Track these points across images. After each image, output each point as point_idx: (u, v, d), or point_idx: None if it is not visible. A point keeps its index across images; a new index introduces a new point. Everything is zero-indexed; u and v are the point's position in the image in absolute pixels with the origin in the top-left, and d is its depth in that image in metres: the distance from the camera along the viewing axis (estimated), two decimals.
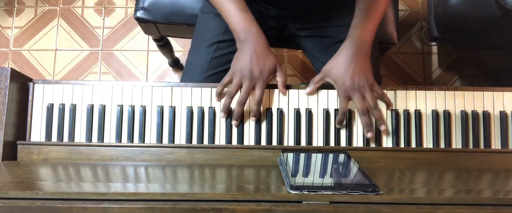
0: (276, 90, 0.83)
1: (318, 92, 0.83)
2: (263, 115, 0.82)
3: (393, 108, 0.83)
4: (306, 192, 0.54)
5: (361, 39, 0.82)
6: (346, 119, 0.82)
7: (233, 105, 0.82)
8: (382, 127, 0.81)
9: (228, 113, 0.82)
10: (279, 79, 0.83)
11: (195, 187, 0.64)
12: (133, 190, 0.59)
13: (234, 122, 0.81)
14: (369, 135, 0.80)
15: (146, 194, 0.55)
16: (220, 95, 0.82)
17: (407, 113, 0.82)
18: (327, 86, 0.84)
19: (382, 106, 0.83)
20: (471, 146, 0.81)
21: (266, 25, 0.98)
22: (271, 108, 0.83)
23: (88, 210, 0.53)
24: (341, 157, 0.73)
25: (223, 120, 0.82)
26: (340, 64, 0.82)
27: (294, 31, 1.01)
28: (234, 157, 0.79)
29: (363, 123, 0.80)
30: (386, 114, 0.83)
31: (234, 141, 0.82)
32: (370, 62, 0.84)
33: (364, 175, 0.61)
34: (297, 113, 0.82)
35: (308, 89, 0.83)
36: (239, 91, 0.81)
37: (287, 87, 0.84)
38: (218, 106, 0.83)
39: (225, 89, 0.82)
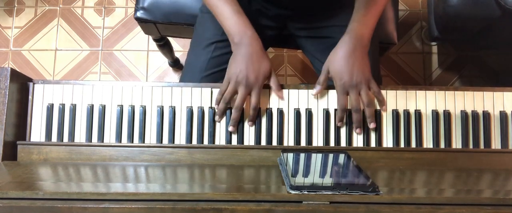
0: None
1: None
2: (263, 115, 0.82)
3: (394, 108, 0.83)
4: (306, 192, 0.54)
5: (359, 34, 0.83)
6: (346, 118, 0.82)
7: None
8: (372, 125, 0.81)
9: (224, 117, 0.82)
10: (272, 85, 0.83)
11: (195, 187, 0.64)
12: (133, 190, 0.59)
13: (230, 128, 0.81)
14: (357, 131, 0.81)
15: (146, 194, 0.55)
16: (218, 103, 0.82)
17: (407, 113, 0.82)
18: (327, 86, 0.85)
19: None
20: (471, 146, 0.81)
21: (266, 25, 0.98)
22: (271, 108, 0.83)
23: (88, 210, 0.53)
24: (341, 157, 0.73)
25: (223, 120, 0.82)
26: (338, 59, 0.82)
27: (294, 31, 1.01)
28: (234, 157, 0.79)
29: (354, 119, 0.81)
30: (387, 114, 0.83)
31: (234, 141, 0.82)
32: (368, 58, 0.84)
33: (364, 175, 0.61)
34: (297, 113, 0.82)
35: (315, 90, 0.83)
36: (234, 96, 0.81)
37: (287, 87, 0.84)
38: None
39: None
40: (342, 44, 0.83)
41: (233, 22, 0.83)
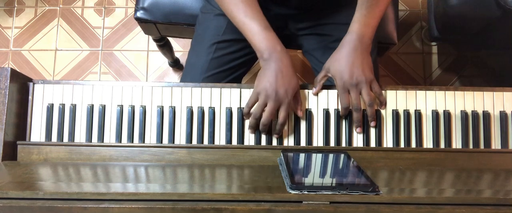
0: None
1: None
2: None
3: (394, 108, 0.83)
4: (306, 192, 0.54)
5: (361, 34, 0.83)
6: (346, 121, 0.82)
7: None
8: (372, 124, 0.81)
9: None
10: (296, 102, 0.82)
11: (195, 187, 0.64)
12: (133, 190, 0.59)
13: (250, 130, 0.81)
14: (358, 130, 0.81)
15: (146, 194, 0.55)
16: (247, 115, 0.81)
17: (407, 113, 0.82)
18: (327, 86, 0.85)
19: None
20: (471, 146, 0.81)
21: None
22: None
23: (88, 210, 0.53)
24: (341, 157, 0.73)
25: (223, 120, 0.82)
26: (340, 59, 0.82)
27: (295, 30, 1.01)
28: (234, 157, 0.79)
29: (354, 118, 0.81)
30: (386, 114, 0.83)
31: (234, 141, 0.82)
32: (370, 58, 0.84)
33: (364, 175, 0.61)
34: None
35: (314, 90, 0.83)
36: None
37: None
38: (218, 106, 0.83)
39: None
40: (343, 44, 0.83)
41: (262, 38, 0.81)
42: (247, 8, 0.82)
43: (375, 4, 0.83)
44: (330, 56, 0.85)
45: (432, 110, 0.83)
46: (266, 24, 0.83)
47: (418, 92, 0.83)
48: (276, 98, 0.79)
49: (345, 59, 0.81)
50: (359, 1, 0.85)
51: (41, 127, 0.82)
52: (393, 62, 1.71)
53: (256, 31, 0.82)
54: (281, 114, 0.80)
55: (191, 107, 0.83)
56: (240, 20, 0.83)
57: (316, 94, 0.83)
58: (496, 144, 0.82)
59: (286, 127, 0.82)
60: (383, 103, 0.83)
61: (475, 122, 0.82)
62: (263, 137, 0.82)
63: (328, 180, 0.63)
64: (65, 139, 0.82)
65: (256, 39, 0.82)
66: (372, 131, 0.82)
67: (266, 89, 0.79)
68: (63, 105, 0.83)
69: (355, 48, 0.82)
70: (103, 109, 0.82)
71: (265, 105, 0.80)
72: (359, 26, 0.83)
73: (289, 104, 0.80)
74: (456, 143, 0.82)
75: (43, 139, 0.82)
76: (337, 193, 0.54)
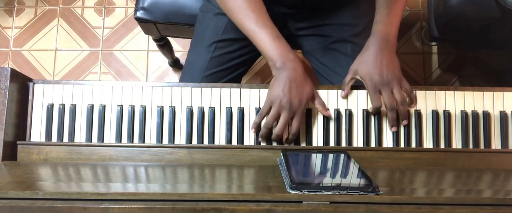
0: None
1: (318, 92, 0.83)
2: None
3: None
4: (306, 192, 0.54)
5: (385, 33, 0.83)
6: (346, 118, 0.82)
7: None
8: (404, 122, 0.81)
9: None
10: (318, 106, 0.82)
11: (195, 187, 0.64)
12: (133, 190, 0.59)
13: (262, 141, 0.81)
14: (393, 129, 0.81)
15: (146, 194, 0.55)
16: (258, 126, 0.81)
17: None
18: (326, 86, 0.85)
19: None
20: (471, 146, 0.81)
21: None
22: None
23: (88, 210, 0.53)
24: (341, 157, 0.73)
25: (223, 120, 0.82)
26: (368, 60, 0.82)
27: (294, 30, 1.01)
28: (234, 157, 0.79)
29: (389, 118, 0.81)
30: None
31: (234, 141, 0.82)
32: (396, 57, 0.84)
33: (364, 175, 0.61)
34: None
35: (343, 92, 0.83)
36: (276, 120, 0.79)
37: None
38: (218, 106, 0.83)
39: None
40: (369, 45, 0.83)
41: (274, 46, 0.80)
42: (257, 17, 0.81)
43: (395, 2, 0.83)
44: (356, 58, 0.85)
45: (432, 110, 0.83)
46: (277, 33, 0.82)
47: (418, 92, 0.83)
48: (290, 108, 0.78)
49: (373, 60, 0.81)
50: (378, 0, 0.85)
51: (41, 127, 0.82)
52: None
53: (268, 40, 0.81)
54: (295, 124, 0.79)
55: (191, 107, 0.83)
56: (250, 29, 0.82)
57: (345, 96, 0.83)
58: (496, 144, 0.82)
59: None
60: (414, 101, 0.83)
61: (475, 122, 0.82)
62: None
63: (328, 180, 0.63)
64: (65, 139, 0.82)
65: (268, 48, 0.81)
66: (372, 131, 0.82)
67: (280, 98, 0.78)
68: (63, 105, 0.83)
69: (382, 48, 0.82)
70: (103, 109, 0.82)
71: (279, 116, 0.79)
72: (383, 26, 0.83)
73: (303, 114, 0.80)
74: (456, 143, 0.82)
75: (43, 139, 0.82)
76: (337, 193, 0.54)
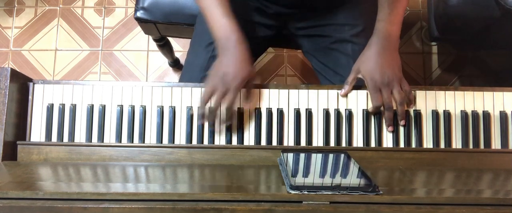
0: (276, 90, 0.83)
1: (318, 92, 0.83)
2: (263, 115, 0.82)
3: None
4: (306, 192, 0.54)
5: (387, 33, 0.83)
6: (345, 119, 0.82)
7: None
8: (402, 122, 0.81)
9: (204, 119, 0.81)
10: (247, 89, 0.81)
11: (195, 187, 0.64)
12: (133, 190, 0.59)
13: (200, 122, 0.80)
14: (389, 129, 0.81)
15: (146, 194, 0.55)
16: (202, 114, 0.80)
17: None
18: (326, 86, 0.84)
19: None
20: (471, 146, 0.81)
21: (264, 23, 0.98)
22: (271, 108, 0.83)
23: (88, 210, 0.53)
24: (341, 157, 0.73)
25: (223, 120, 0.82)
26: (369, 59, 0.82)
27: (294, 30, 1.01)
28: (234, 157, 0.79)
29: (386, 118, 0.81)
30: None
31: (234, 141, 0.82)
32: (398, 56, 0.84)
33: (364, 175, 0.61)
34: (297, 113, 0.82)
35: (343, 91, 0.83)
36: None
37: (287, 87, 0.83)
38: (218, 106, 0.83)
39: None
40: (371, 44, 0.84)
41: (219, 25, 0.81)
42: None
43: (397, 1, 0.83)
44: (358, 57, 0.85)
45: (432, 110, 0.83)
46: (227, 12, 0.81)
47: (418, 92, 0.83)
48: (223, 83, 0.78)
49: (375, 59, 0.81)
50: (380, 0, 0.85)
51: (41, 127, 0.82)
52: None
53: (216, 17, 0.81)
54: (227, 97, 0.78)
55: (191, 107, 0.83)
56: (204, 5, 0.83)
57: (345, 95, 0.83)
58: (496, 144, 0.82)
59: (286, 127, 0.82)
60: (412, 102, 0.83)
61: (475, 122, 0.82)
62: (263, 137, 0.82)
63: (328, 180, 0.63)
64: (65, 139, 0.82)
65: (215, 27, 0.82)
66: (373, 131, 0.82)
67: (214, 74, 0.79)
68: (63, 105, 0.83)
69: (384, 48, 0.82)
70: (103, 109, 0.82)
71: (213, 92, 0.79)
72: (385, 25, 0.83)
73: (237, 89, 0.78)
74: (456, 143, 0.82)
75: (43, 139, 0.82)
76: (337, 193, 0.54)
